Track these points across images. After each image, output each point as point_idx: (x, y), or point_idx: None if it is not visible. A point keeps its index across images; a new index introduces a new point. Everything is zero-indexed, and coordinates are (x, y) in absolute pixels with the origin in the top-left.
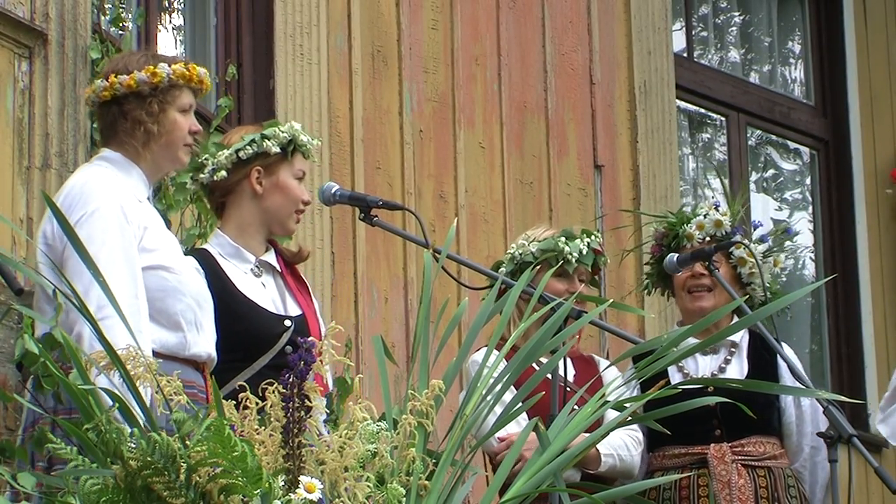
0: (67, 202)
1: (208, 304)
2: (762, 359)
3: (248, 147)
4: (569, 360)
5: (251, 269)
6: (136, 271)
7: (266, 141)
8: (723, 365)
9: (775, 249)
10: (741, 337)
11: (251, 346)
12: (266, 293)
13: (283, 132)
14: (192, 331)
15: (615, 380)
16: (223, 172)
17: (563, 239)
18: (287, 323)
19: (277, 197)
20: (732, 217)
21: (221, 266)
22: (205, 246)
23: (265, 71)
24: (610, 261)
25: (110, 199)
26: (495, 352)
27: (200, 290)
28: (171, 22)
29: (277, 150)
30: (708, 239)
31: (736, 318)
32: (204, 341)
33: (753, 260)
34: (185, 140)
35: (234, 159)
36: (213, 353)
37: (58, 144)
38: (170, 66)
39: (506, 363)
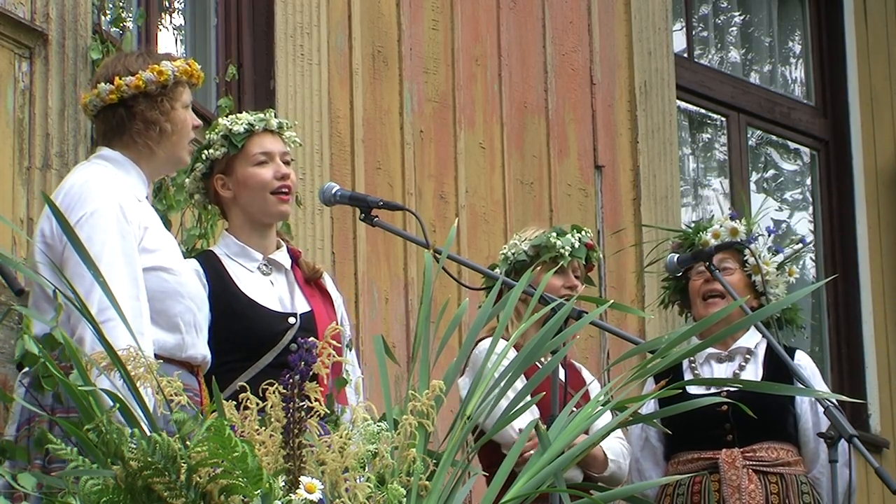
0: (66, 202)
1: (205, 307)
2: (777, 365)
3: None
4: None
5: (259, 268)
6: (136, 273)
7: (206, 151)
8: (737, 371)
9: (789, 261)
10: (757, 344)
11: (253, 344)
12: (273, 291)
13: (216, 133)
14: (190, 332)
15: (604, 389)
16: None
17: (554, 234)
18: (291, 320)
19: (245, 192)
20: (749, 227)
21: (226, 266)
22: (212, 248)
23: (265, 71)
24: (613, 263)
25: (110, 199)
26: (503, 341)
27: (198, 292)
28: (171, 22)
29: (222, 151)
30: (716, 246)
31: (751, 324)
32: (201, 343)
33: (767, 268)
34: (190, 136)
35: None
36: (208, 356)
37: (58, 145)
38: (171, 63)
39: (515, 352)
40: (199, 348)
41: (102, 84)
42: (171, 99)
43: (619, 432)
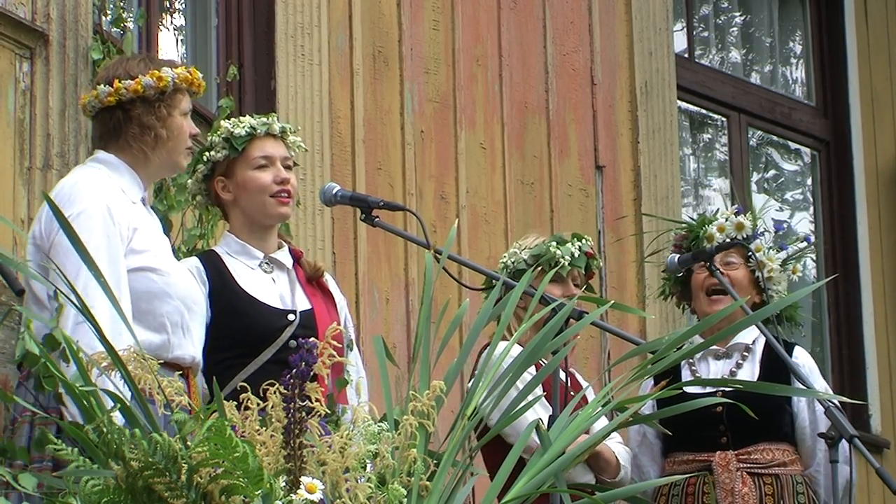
0: (57, 203)
1: (198, 307)
2: (775, 363)
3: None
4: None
5: (259, 266)
6: (119, 274)
7: (207, 153)
8: (734, 369)
9: (793, 258)
10: (755, 340)
11: (253, 340)
12: (274, 288)
13: (218, 136)
14: (176, 333)
15: (601, 393)
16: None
17: (553, 244)
18: (290, 317)
19: (244, 196)
20: (754, 222)
21: (227, 264)
22: (214, 247)
23: (266, 71)
24: (613, 263)
25: (97, 201)
26: (503, 343)
27: (190, 293)
28: (172, 22)
29: (223, 153)
30: (716, 246)
31: (752, 324)
32: (189, 344)
33: (771, 264)
34: (187, 144)
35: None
36: (198, 357)
37: (59, 145)
38: (172, 69)
39: (520, 348)
40: (187, 349)
41: (102, 86)
42: (169, 105)
43: (618, 437)
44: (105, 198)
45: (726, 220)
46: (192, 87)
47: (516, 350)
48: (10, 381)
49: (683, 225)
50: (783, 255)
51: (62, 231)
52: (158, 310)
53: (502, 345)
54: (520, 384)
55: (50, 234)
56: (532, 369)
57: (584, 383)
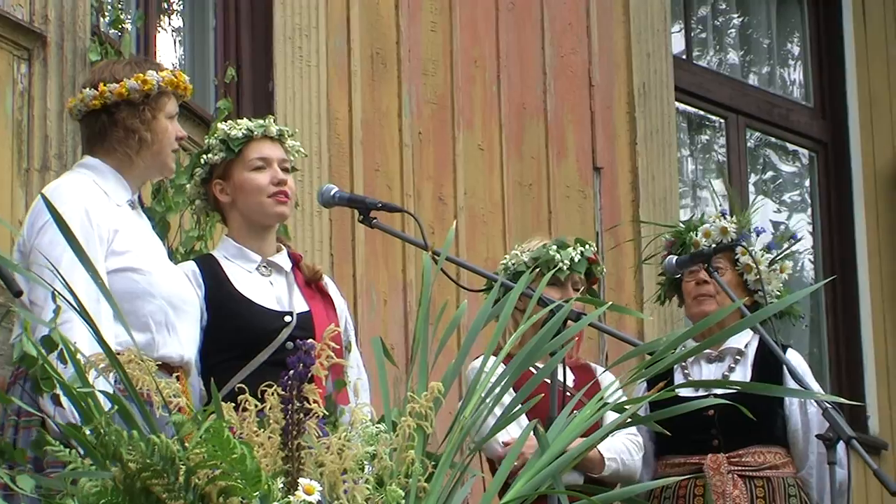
0: (37, 209)
1: (187, 307)
2: (767, 366)
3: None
4: (568, 369)
5: (257, 269)
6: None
7: (205, 156)
8: (726, 373)
9: (780, 257)
10: (747, 344)
11: (248, 342)
12: (272, 291)
13: (215, 138)
14: (161, 332)
15: (614, 382)
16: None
17: (554, 247)
18: (287, 319)
19: (242, 197)
20: (740, 226)
21: (224, 268)
22: (211, 251)
23: (264, 73)
24: (611, 264)
25: (75, 205)
26: (493, 357)
27: (176, 292)
28: (170, 24)
29: (220, 156)
30: (714, 247)
31: (751, 325)
32: (175, 343)
33: (759, 266)
34: (173, 146)
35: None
36: (187, 356)
37: (57, 146)
38: (157, 72)
39: (504, 366)
40: (173, 348)
41: (87, 89)
42: (154, 109)
43: (631, 428)
44: (83, 202)
45: (711, 224)
46: (178, 90)
47: (500, 369)
48: None
49: (672, 228)
50: (771, 254)
51: (42, 233)
52: (141, 309)
53: (491, 360)
54: (498, 410)
55: (31, 238)
56: (511, 391)
57: (598, 369)
